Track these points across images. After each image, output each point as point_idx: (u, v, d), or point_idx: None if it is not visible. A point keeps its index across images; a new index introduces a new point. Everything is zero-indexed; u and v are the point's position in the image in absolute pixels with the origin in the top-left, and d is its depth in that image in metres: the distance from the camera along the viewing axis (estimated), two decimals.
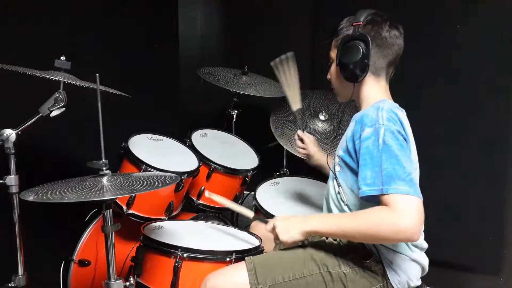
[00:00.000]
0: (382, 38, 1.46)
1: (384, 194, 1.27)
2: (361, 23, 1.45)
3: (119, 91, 1.79)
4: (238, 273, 1.44)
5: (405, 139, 1.35)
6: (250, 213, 1.67)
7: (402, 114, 1.44)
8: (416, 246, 1.46)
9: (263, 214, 2.05)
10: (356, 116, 1.47)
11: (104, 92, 1.62)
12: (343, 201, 1.47)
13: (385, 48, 1.47)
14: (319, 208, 1.94)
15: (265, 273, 1.42)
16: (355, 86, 1.50)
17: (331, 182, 1.56)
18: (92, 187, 1.32)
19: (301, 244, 1.52)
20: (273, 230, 1.46)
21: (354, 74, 1.46)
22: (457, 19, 2.28)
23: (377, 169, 1.29)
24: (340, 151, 1.50)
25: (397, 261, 1.42)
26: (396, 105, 1.49)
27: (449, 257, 2.33)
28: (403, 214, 1.24)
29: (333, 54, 1.54)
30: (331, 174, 1.57)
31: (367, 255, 1.43)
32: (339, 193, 1.49)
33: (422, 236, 1.48)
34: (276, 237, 1.46)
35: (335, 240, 1.51)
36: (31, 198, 1.27)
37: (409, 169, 1.29)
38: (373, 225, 1.29)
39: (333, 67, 1.56)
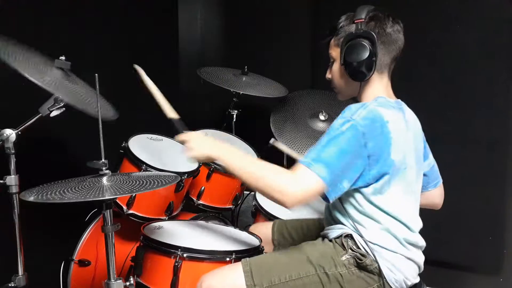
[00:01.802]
0: (387, 35, 1.44)
1: (305, 166, 1.30)
2: (363, 20, 1.43)
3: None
4: (234, 274, 1.43)
5: (364, 145, 1.33)
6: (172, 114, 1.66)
7: (389, 112, 1.40)
8: (412, 244, 1.45)
9: (263, 214, 2.05)
10: None
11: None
12: (341, 201, 1.45)
13: (390, 44, 1.45)
14: (319, 207, 1.94)
15: (261, 274, 1.41)
16: (361, 84, 1.48)
17: None
18: (92, 187, 1.31)
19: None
20: (186, 142, 1.47)
21: (361, 73, 1.43)
22: (457, 19, 2.28)
23: (320, 147, 1.33)
24: None
25: (393, 260, 1.42)
26: (391, 103, 1.46)
27: (449, 257, 2.33)
28: (299, 184, 1.28)
29: (334, 52, 1.51)
30: None
31: (362, 254, 1.42)
32: None
33: (418, 234, 1.48)
34: (186, 150, 1.47)
35: (330, 241, 1.50)
36: (31, 199, 1.27)
37: (341, 168, 1.31)
38: (268, 178, 1.32)
39: (336, 66, 1.52)
